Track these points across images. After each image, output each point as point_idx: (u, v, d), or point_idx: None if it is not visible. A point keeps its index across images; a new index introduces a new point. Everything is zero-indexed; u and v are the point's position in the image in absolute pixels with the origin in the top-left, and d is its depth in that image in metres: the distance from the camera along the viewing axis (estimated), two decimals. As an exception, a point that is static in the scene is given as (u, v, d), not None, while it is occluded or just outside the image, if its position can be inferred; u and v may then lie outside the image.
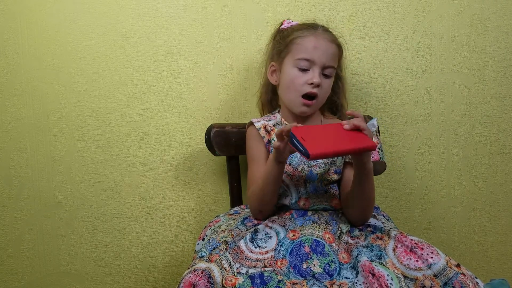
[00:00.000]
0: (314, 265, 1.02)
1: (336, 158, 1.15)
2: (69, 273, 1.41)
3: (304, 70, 1.13)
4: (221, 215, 1.20)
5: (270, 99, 1.27)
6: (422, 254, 0.97)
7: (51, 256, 1.40)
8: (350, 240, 1.07)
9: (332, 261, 1.02)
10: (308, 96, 1.14)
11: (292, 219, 1.10)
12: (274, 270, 0.98)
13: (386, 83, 1.42)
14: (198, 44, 1.38)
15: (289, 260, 1.02)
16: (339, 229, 1.09)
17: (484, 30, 1.42)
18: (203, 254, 1.01)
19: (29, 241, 1.40)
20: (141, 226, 1.41)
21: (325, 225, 1.09)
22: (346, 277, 0.98)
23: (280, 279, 0.96)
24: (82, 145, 1.38)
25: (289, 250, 1.04)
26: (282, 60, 1.17)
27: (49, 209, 1.39)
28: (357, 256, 1.01)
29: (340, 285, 0.96)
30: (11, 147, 1.37)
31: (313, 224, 1.09)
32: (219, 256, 0.98)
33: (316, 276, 0.99)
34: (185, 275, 0.93)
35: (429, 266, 0.95)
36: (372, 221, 1.13)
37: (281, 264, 1.01)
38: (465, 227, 1.47)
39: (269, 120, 1.20)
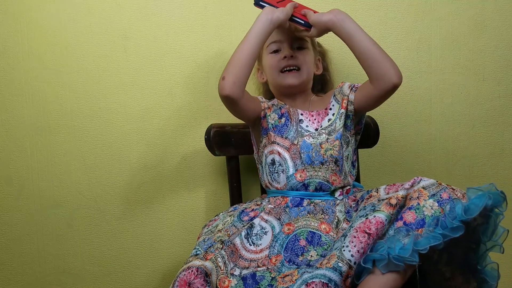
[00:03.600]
0: (311, 255, 1.01)
1: (334, 125, 1.15)
2: (69, 273, 1.41)
3: (276, 52, 1.20)
4: (221, 213, 1.19)
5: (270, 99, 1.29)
6: (413, 180, 0.99)
7: (51, 256, 1.40)
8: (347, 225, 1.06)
9: (329, 248, 1.01)
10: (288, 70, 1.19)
11: (287, 209, 1.10)
12: (267, 268, 0.98)
13: (386, 83, 1.42)
14: (198, 44, 1.38)
15: (284, 255, 1.02)
16: (336, 218, 1.08)
17: (484, 30, 1.42)
18: (198, 252, 1.01)
19: (29, 241, 1.40)
20: (141, 226, 1.41)
21: (321, 214, 1.08)
22: (335, 248, 0.94)
23: (273, 276, 0.96)
24: (82, 145, 1.38)
25: (284, 246, 1.03)
26: (261, 58, 1.23)
27: (49, 209, 1.39)
28: (351, 225, 0.98)
29: (329, 257, 0.93)
30: (11, 147, 1.37)
31: (308, 215, 1.08)
32: (214, 254, 0.98)
33: (312, 263, 0.98)
34: (180, 273, 0.92)
35: (419, 182, 0.98)
36: (364, 195, 1.11)
37: (276, 260, 1.01)
38: (465, 227, 1.46)
39: (269, 101, 1.24)
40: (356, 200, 1.12)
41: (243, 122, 1.34)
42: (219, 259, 0.97)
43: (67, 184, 1.39)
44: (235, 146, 1.28)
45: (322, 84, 1.30)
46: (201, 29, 1.38)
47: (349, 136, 1.17)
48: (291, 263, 1.00)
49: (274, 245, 1.04)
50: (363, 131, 1.23)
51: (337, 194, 1.13)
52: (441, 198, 0.94)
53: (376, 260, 0.92)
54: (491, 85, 1.43)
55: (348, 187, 1.15)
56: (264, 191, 1.26)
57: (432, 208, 0.93)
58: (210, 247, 1.02)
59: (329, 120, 1.16)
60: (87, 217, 1.40)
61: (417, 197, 0.95)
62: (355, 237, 0.93)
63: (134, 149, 1.39)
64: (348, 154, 1.17)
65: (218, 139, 1.27)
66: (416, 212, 0.94)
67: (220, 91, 1.12)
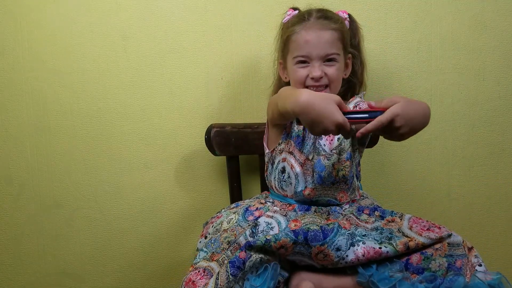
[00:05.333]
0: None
1: (343, 143, 1.10)
2: (69, 273, 1.41)
3: (303, 62, 1.11)
4: (223, 210, 1.17)
5: None
6: (441, 229, 0.98)
7: (51, 256, 1.40)
8: (356, 219, 1.05)
9: (331, 225, 1.00)
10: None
11: (294, 212, 1.09)
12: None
13: (386, 83, 1.42)
14: (198, 44, 1.38)
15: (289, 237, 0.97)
16: (342, 214, 1.08)
17: (484, 30, 1.42)
18: (205, 253, 1.00)
19: (29, 241, 1.40)
20: (141, 226, 1.41)
21: (327, 215, 1.08)
22: (337, 248, 0.94)
23: (268, 238, 0.94)
24: (82, 145, 1.38)
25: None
26: (285, 58, 1.16)
27: (49, 209, 1.39)
28: (363, 236, 0.97)
29: (326, 255, 0.94)
30: (11, 147, 1.37)
31: (315, 213, 1.08)
32: (220, 255, 0.98)
33: (309, 235, 0.95)
34: (187, 274, 0.94)
35: (449, 236, 0.96)
36: (378, 208, 1.11)
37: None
38: (465, 227, 1.47)
39: None
40: (366, 207, 1.11)
41: (243, 122, 1.34)
42: (226, 261, 0.96)
43: (67, 184, 1.39)
44: (235, 146, 1.28)
45: (347, 89, 1.21)
46: (201, 29, 1.38)
47: (356, 152, 1.15)
48: (289, 229, 0.99)
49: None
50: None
51: (343, 205, 1.12)
52: (453, 263, 0.94)
53: (359, 272, 0.94)
54: (491, 85, 1.43)
55: (355, 199, 1.15)
56: (265, 188, 1.25)
57: (439, 266, 0.94)
58: (217, 247, 1.01)
59: (338, 139, 1.10)
60: (87, 217, 1.40)
61: (436, 249, 0.95)
62: (360, 257, 0.94)
63: (134, 149, 1.39)
64: (355, 169, 1.15)
65: (218, 139, 1.27)
66: (424, 259, 0.94)
67: None
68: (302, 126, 1.11)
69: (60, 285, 1.41)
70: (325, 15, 1.12)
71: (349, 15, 1.20)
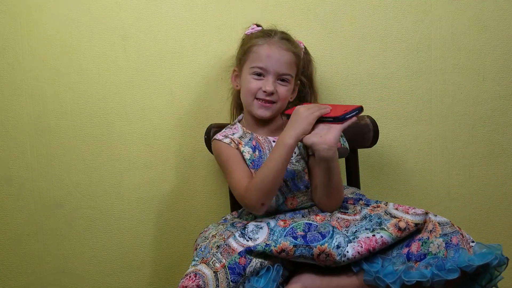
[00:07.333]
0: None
1: (300, 148, 1.17)
2: (69, 273, 1.41)
3: (259, 75, 1.16)
4: (211, 224, 1.20)
5: (240, 103, 1.26)
6: (425, 211, 1.01)
7: (51, 256, 1.40)
8: (344, 216, 1.07)
9: (325, 227, 1.01)
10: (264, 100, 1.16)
11: (283, 214, 1.12)
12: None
13: (386, 83, 1.42)
14: (198, 44, 1.38)
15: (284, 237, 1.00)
16: (329, 212, 1.11)
17: (484, 30, 1.42)
18: (196, 261, 1.00)
19: (29, 241, 1.40)
20: (141, 226, 1.41)
21: (314, 213, 1.12)
22: (337, 246, 0.96)
23: (268, 243, 0.97)
24: (82, 145, 1.38)
25: (283, 234, 1.00)
26: (242, 67, 1.20)
27: (49, 209, 1.39)
28: (355, 232, 1.00)
29: (328, 255, 0.95)
30: (11, 147, 1.37)
31: (303, 216, 1.12)
32: (210, 258, 0.98)
33: (308, 238, 0.97)
34: (180, 283, 0.94)
35: (435, 216, 1.00)
36: (363, 198, 1.15)
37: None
38: (465, 227, 1.45)
39: (233, 134, 1.19)
40: (349, 198, 1.15)
41: (243, 122, 1.34)
42: (217, 264, 0.96)
43: (67, 184, 1.39)
44: (235, 146, 1.28)
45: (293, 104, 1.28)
46: (201, 29, 1.38)
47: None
48: (288, 233, 1.01)
49: (272, 238, 1.00)
50: (362, 131, 1.27)
51: None
52: (450, 241, 0.97)
53: (364, 270, 0.96)
54: (491, 85, 1.43)
55: None
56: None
57: (438, 248, 0.96)
58: (207, 253, 1.02)
59: (298, 145, 1.16)
60: (87, 217, 1.40)
61: (430, 231, 0.98)
62: (359, 249, 0.96)
63: (134, 149, 1.39)
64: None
65: (218, 139, 1.27)
66: (422, 245, 0.97)
67: (253, 210, 1.09)
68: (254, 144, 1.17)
69: (60, 285, 1.41)
70: (288, 38, 1.20)
71: (305, 47, 1.26)
